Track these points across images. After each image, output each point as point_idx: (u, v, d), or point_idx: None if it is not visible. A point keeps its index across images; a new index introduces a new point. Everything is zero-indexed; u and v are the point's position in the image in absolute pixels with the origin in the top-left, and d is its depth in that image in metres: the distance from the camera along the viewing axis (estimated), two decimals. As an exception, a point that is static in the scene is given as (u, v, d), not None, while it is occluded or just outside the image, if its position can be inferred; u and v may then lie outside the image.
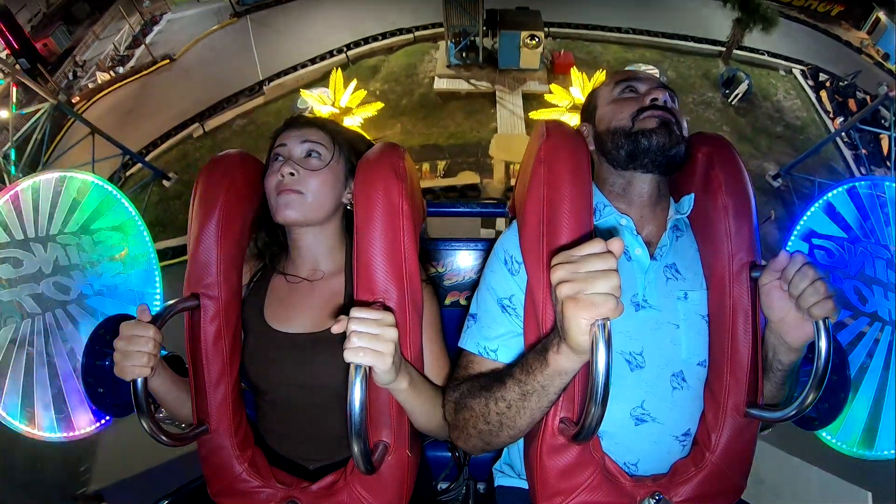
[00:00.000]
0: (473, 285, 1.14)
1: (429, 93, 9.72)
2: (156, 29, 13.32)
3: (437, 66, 10.13)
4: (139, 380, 0.74)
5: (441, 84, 9.75)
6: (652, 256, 0.86)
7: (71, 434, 1.08)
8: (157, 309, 0.81)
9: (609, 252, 0.57)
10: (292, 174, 0.90)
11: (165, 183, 8.58)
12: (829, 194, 1.13)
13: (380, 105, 7.90)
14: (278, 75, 10.25)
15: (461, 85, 9.71)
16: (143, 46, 12.27)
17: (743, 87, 9.54)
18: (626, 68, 7.38)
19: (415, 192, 0.91)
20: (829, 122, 9.36)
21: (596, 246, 0.58)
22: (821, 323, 0.68)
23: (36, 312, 1.05)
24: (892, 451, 1.04)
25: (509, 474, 0.98)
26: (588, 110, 0.99)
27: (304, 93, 7.62)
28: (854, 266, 1.09)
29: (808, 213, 1.14)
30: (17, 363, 1.03)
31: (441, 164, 8.29)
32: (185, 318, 0.88)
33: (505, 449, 1.01)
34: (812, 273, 0.69)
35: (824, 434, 1.06)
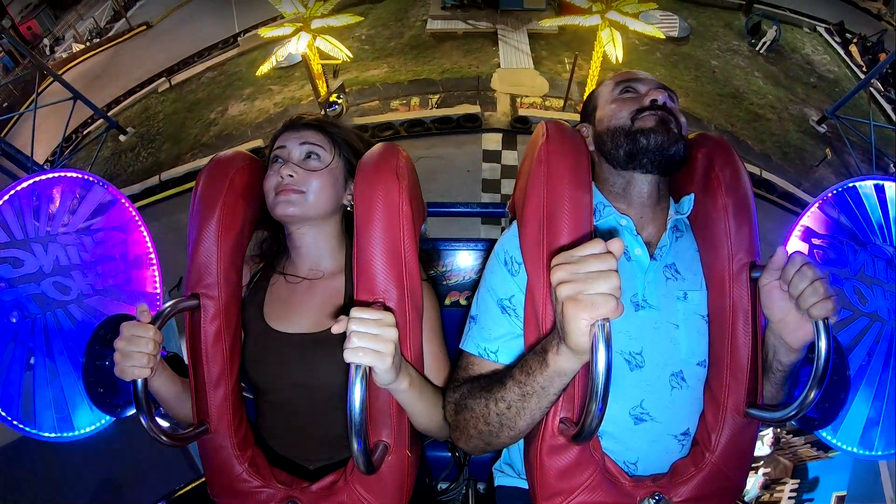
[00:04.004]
0: (473, 285, 1.14)
1: (421, 34, 9.31)
2: (138, 3, 13.05)
3: (431, 8, 9.72)
4: (139, 380, 0.75)
5: (435, 25, 9.35)
6: (652, 256, 0.86)
7: (71, 434, 1.08)
8: (157, 309, 0.81)
9: (609, 252, 0.57)
10: (291, 175, 0.90)
11: (122, 137, 8.47)
12: (829, 194, 1.13)
13: (359, 18, 7.57)
14: (256, 26, 9.79)
15: (457, 25, 9.31)
16: (123, 19, 12.02)
17: (771, 35, 9.19)
18: (640, 14, 7.02)
19: (415, 192, 0.91)
20: (862, 76, 8.80)
21: (596, 246, 0.58)
22: (820, 323, 0.68)
23: (36, 312, 1.05)
24: (892, 451, 1.04)
25: (509, 474, 0.98)
26: (588, 111, 0.99)
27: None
28: (854, 266, 1.09)
29: (808, 213, 1.14)
30: (17, 363, 1.03)
31: (434, 98, 7.96)
32: (185, 318, 0.88)
33: (505, 448, 1.01)
34: (811, 273, 0.69)
35: (824, 434, 1.06)
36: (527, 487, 0.87)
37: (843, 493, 1.77)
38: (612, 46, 6.96)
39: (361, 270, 0.82)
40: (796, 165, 7.39)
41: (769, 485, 2.08)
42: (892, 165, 7.06)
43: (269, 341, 0.93)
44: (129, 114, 9.17)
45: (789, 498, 2.01)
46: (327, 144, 0.95)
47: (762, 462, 2.11)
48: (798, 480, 2.02)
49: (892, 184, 1.11)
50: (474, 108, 7.64)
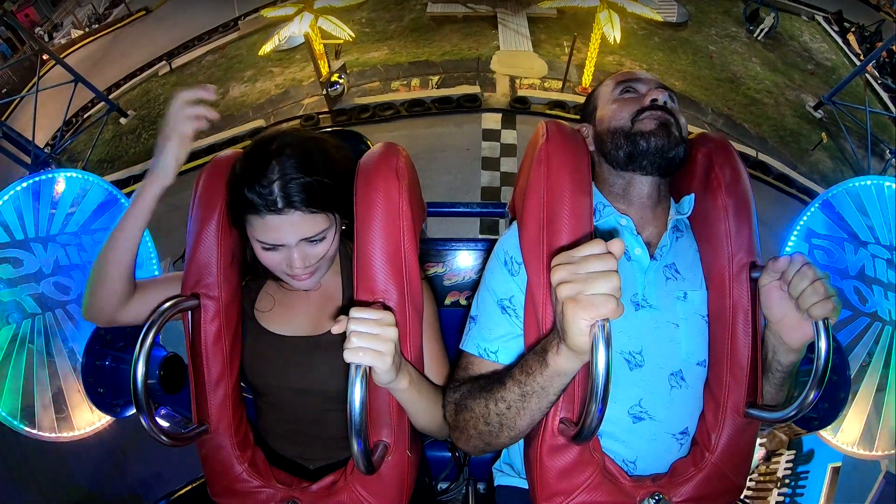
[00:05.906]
0: (473, 285, 1.14)
1: (420, 17, 9.38)
2: (139, -11, 13.06)
3: (431, -8, 9.77)
4: (139, 380, 0.73)
5: (435, 8, 9.41)
6: (652, 256, 0.86)
7: (71, 434, 1.08)
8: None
9: (609, 253, 0.57)
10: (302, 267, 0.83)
11: (122, 120, 8.51)
12: (829, 194, 1.13)
13: (360, 0, 7.66)
14: (256, 10, 9.82)
15: (457, 9, 9.37)
16: (122, 4, 12.00)
17: (769, 22, 9.25)
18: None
19: (415, 191, 0.91)
20: (859, 64, 8.71)
21: (596, 247, 0.58)
22: (820, 323, 0.68)
23: (36, 312, 1.06)
24: (892, 451, 1.05)
25: (509, 473, 0.98)
26: (588, 111, 0.99)
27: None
28: (854, 266, 1.09)
29: (808, 213, 1.14)
30: (17, 363, 1.03)
31: (435, 79, 8.00)
32: (185, 318, 0.88)
33: (505, 448, 1.01)
34: (811, 273, 0.69)
35: (824, 434, 1.06)
36: (527, 487, 0.87)
37: (839, 464, 1.80)
38: (610, 28, 7.01)
39: (361, 270, 0.82)
40: (792, 149, 7.44)
41: (767, 456, 2.13)
42: (887, 151, 7.08)
43: (266, 344, 0.92)
44: (129, 97, 9.19)
45: (785, 469, 2.05)
46: (326, 220, 0.83)
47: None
48: (794, 452, 2.06)
49: (892, 183, 1.11)
50: (474, 89, 7.69)
